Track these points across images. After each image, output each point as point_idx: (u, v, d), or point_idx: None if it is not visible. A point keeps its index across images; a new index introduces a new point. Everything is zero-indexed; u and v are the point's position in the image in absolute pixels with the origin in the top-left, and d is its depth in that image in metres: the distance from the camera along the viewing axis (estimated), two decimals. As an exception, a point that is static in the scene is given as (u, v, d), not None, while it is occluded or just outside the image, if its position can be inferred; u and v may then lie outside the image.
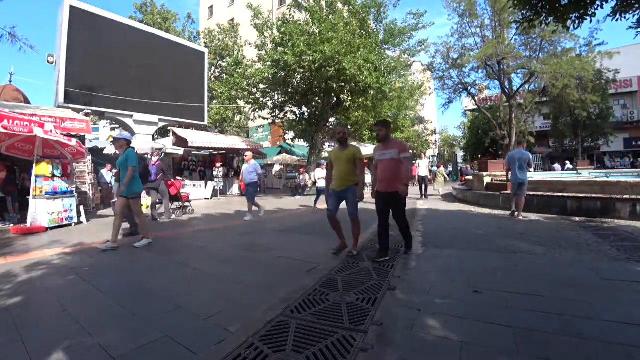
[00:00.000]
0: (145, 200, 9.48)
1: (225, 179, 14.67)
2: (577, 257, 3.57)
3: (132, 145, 4.96)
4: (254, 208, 7.48)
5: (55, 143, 6.65)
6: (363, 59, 11.39)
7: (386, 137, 3.76)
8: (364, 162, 3.86)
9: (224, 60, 21.07)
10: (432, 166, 11.60)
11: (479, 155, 30.70)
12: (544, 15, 4.68)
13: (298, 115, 15.13)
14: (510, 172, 6.57)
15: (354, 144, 17.68)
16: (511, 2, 4.92)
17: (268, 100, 14.96)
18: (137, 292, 2.84)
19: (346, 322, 2.11)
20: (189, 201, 8.65)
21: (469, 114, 34.31)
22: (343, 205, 3.89)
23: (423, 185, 11.50)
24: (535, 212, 6.68)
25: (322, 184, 9.74)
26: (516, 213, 6.37)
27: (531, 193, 6.92)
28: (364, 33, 12.33)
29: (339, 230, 4.01)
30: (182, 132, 13.30)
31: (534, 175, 6.99)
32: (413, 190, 15.33)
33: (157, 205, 7.78)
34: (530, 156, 6.52)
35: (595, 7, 4.47)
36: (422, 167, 11.57)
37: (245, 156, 7.76)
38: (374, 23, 13.59)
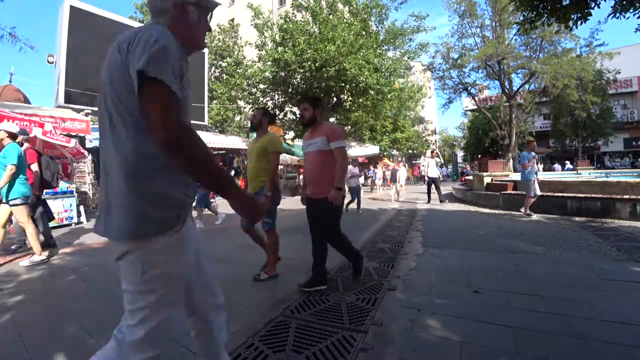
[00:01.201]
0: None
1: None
2: (577, 257, 3.57)
3: (22, 138, 4.16)
4: (217, 213, 6.98)
5: (55, 142, 6.65)
6: (364, 60, 11.38)
7: (312, 120, 2.83)
8: (278, 156, 3.07)
9: (224, 60, 21.06)
10: (438, 165, 10.53)
11: (479, 155, 30.70)
12: (546, 15, 4.68)
13: (298, 115, 15.13)
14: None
15: (353, 144, 17.28)
16: (512, 3, 4.92)
17: (268, 100, 14.96)
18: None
19: (346, 322, 2.11)
20: (213, 198, 9.17)
21: (469, 114, 34.29)
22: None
23: (432, 187, 9.98)
24: (536, 212, 6.67)
25: (432, 174, 9.76)
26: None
27: (522, 193, 6.85)
28: (364, 33, 12.33)
29: (262, 244, 3.34)
30: (182, 132, 13.26)
31: (527, 172, 6.89)
32: (413, 193, 15.29)
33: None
34: (528, 155, 6.65)
35: (594, 6, 4.47)
36: (431, 167, 10.04)
37: None
38: (374, 24, 13.58)
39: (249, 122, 3.29)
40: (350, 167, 14.29)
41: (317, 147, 2.75)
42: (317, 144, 2.75)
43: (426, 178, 10.31)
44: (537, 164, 6.54)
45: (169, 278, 1.02)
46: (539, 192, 6.56)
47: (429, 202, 9.75)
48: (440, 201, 9.56)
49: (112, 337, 1.05)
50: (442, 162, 12.39)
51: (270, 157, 2.99)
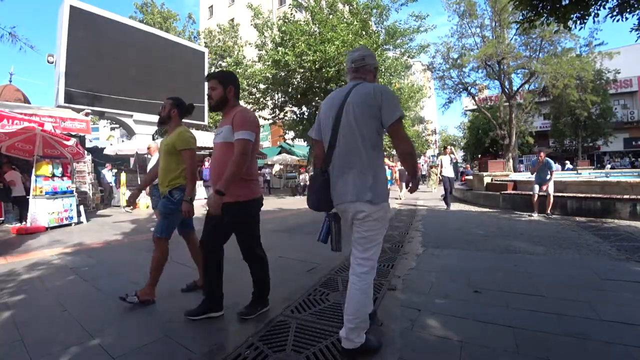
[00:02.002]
0: (145, 200, 9.64)
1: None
2: (577, 257, 3.57)
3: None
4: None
5: (55, 142, 6.65)
6: None
7: (221, 102, 2.17)
8: (192, 154, 2.56)
9: (224, 60, 21.06)
10: (453, 163, 9.09)
11: (479, 155, 30.72)
12: (545, 15, 4.68)
13: (298, 115, 15.14)
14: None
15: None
16: (512, 2, 4.92)
17: (268, 100, 14.96)
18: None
19: (346, 322, 2.11)
20: None
21: (469, 114, 34.32)
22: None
23: (448, 190, 8.68)
24: (535, 212, 6.68)
25: (447, 173, 8.59)
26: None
27: (531, 193, 6.94)
28: (364, 34, 12.32)
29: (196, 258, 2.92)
30: (182, 132, 13.27)
31: (533, 176, 7.06)
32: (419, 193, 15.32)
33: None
34: (535, 161, 7.04)
35: (597, 8, 4.47)
36: (446, 166, 8.66)
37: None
38: (375, 24, 13.58)
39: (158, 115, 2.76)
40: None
41: (221, 137, 2.12)
42: (222, 133, 2.11)
43: (439, 177, 9.00)
44: (547, 166, 6.68)
45: (386, 222, 1.80)
46: (537, 192, 6.71)
47: (448, 207, 8.34)
48: (447, 204, 8.48)
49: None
50: (458, 159, 9.71)
51: (184, 157, 2.51)
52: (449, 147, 9.13)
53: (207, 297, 2.26)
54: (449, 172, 8.66)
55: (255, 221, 2.28)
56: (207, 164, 10.33)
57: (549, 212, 6.50)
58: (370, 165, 1.67)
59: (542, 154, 6.97)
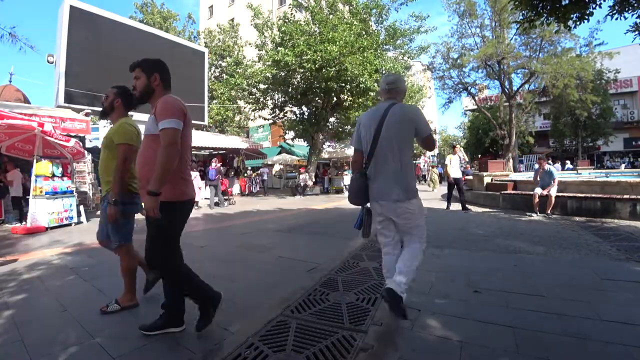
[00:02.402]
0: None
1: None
2: (577, 257, 3.57)
3: None
4: None
5: (55, 142, 6.65)
6: (366, 61, 11.38)
7: (147, 94, 1.99)
8: (128, 150, 2.29)
9: (224, 60, 21.06)
10: (461, 166, 8.50)
11: (479, 155, 30.71)
12: (545, 15, 4.67)
13: (298, 115, 15.14)
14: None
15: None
16: (512, 2, 4.91)
17: (268, 100, 14.96)
18: (137, 292, 2.84)
19: (346, 322, 2.11)
20: (232, 195, 11.63)
21: (469, 114, 34.32)
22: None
23: (454, 190, 8.28)
24: (536, 212, 6.67)
25: (455, 174, 7.98)
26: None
27: (531, 193, 6.96)
28: (364, 34, 12.32)
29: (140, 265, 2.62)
30: (182, 132, 13.26)
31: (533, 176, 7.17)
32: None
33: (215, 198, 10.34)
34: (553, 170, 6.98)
35: (594, 6, 4.47)
36: (454, 166, 8.09)
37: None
38: (374, 24, 13.57)
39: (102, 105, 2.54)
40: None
41: (147, 130, 1.93)
42: (149, 126, 1.90)
43: (450, 179, 8.27)
44: (548, 174, 6.81)
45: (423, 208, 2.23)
46: (538, 193, 6.74)
47: (448, 207, 8.09)
48: (465, 209, 7.67)
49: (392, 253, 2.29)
50: (467, 159, 8.85)
51: (118, 151, 2.24)
52: (457, 146, 8.67)
53: (167, 311, 2.02)
54: (456, 172, 8.05)
55: (173, 227, 1.93)
56: (213, 164, 10.58)
57: (549, 212, 6.51)
58: (405, 169, 2.12)
59: (543, 163, 7.00)
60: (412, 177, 2.17)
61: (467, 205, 7.89)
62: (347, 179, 15.54)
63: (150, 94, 1.98)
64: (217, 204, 10.27)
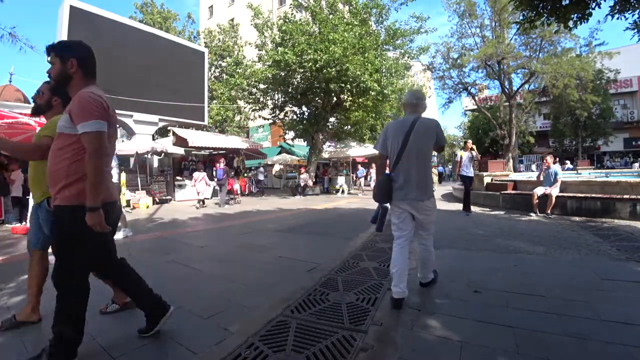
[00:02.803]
0: (145, 200, 9.72)
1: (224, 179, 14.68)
2: (577, 257, 3.57)
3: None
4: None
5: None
6: (368, 62, 11.38)
7: (62, 82, 1.75)
8: (46, 140, 1.93)
9: (224, 60, 21.07)
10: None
11: (479, 155, 30.70)
12: (545, 15, 4.68)
13: (298, 115, 15.14)
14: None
15: (353, 144, 17.31)
16: (512, 2, 4.91)
17: (268, 100, 14.96)
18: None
19: (346, 322, 2.11)
20: (237, 194, 12.05)
21: (469, 114, 34.34)
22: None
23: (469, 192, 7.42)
24: (536, 212, 6.67)
25: (468, 172, 7.37)
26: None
27: (531, 193, 6.96)
28: (365, 34, 12.32)
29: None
30: (182, 132, 13.30)
31: (533, 176, 7.11)
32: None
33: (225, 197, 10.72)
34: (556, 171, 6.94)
35: (594, 6, 4.47)
36: (465, 164, 7.35)
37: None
38: (374, 24, 13.57)
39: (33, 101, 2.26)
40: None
41: (59, 127, 1.70)
42: (62, 124, 1.67)
43: (457, 178, 7.51)
44: (552, 173, 6.83)
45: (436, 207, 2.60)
46: (538, 193, 6.75)
47: (467, 212, 7.17)
48: (467, 210, 7.22)
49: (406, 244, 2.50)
50: (479, 157, 8.30)
51: (50, 147, 1.76)
52: (469, 142, 7.99)
53: (147, 311, 2.01)
54: (468, 170, 7.32)
55: (80, 237, 1.63)
56: (221, 164, 10.92)
57: (549, 212, 6.50)
58: (426, 173, 2.49)
59: (548, 160, 6.97)
60: (430, 179, 2.55)
61: (470, 207, 7.35)
62: (341, 179, 15.50)
63: (67, 82, 1.71)
64: (227, 202, 10.83)
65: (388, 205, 2.57)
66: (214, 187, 11.84)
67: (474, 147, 7.75)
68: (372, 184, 13.16)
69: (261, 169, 18.79)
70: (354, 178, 17.32)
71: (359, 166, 16.28)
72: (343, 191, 15.02)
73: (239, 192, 12.61)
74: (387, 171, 2.56)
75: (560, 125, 25.87)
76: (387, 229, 2.78)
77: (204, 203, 10.30)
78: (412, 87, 16.46)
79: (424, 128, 2.44)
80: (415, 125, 2.42)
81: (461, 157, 7.50)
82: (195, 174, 10.50)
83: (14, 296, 2.72)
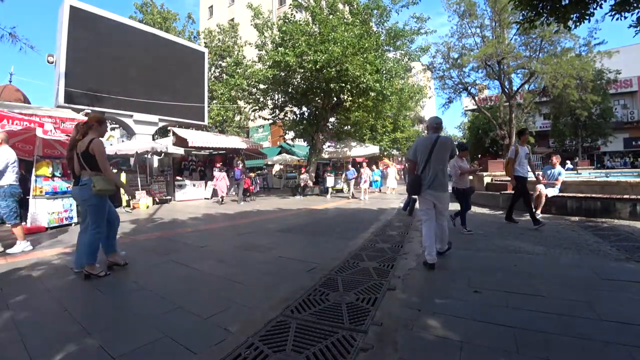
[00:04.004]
0: (145, 200, 9.74)
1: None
2: (577, 257, 3.57)
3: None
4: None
5: (55, 142, 6.65)
6: (368, 63, 11.38)
7: None
8: None
9: (224, 60, 21.06)
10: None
11: (479, 155, 30.70)
12: (545, 15, 4.67)
13: (298, 115, 15.13)
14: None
15: (353, 144, 17.06)
16: (512, 2, 4.91)
17: (268, 100, 14.96)
18: (137, 292, 2.84)
19: (346, 322, 2.11)
20: (253, 193, 13.15)
21: (469, 114, 34.33)
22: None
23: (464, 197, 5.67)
24: (538, 211, 6.67)
25: (521, 172, 5.57)
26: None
27: (531, 192, 6.92)
28: (365, 35, 12.31)
29: None
30: (182, 132, 13.30)
31: (533, 176, 7.02)
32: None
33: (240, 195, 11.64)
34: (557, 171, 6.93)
35: (595, 6, 4.47)
36: (521, 160, 5.63)
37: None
38: (375, 25, 13.56)
39: None
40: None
41: None
42: None
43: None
44: (553, 164, 6.89)
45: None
46: (543, 191, 6.53)
47: (511, 220, 5.82)
48: (534, 220, 5.37)
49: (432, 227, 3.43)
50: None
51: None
52: (526, 132, 5.96)
53: None
54: (524, 169, 5.69)
55: None
56: (240, 165, 12.12)
57: (538, 212, 6.35)
58: (443, 174, 3.48)
59: (554, 160, 6.88)
60: (447, 179, 3.54)
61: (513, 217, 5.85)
62: (330, 180, 14.39)
63: None
64: (244, 200, 11.84)
65: (416, 197, 3.66)
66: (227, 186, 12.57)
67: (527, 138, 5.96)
68: (363, 185, 12.61)
69: (265, 171, 18.87)
70: (343, 179, 14.92)
71: (349, 166, 14.21)
72: (339, 191, 14.70)
73: (231, 192, 12.89)
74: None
75: (560, 125, 25.88)
76: (387, 232, 2.77)
77: (222, 200, 11.58)
78: (412, 88, 16.43)
79: (442, 144, 3.46)
80: (437, 142, 3.44)
81: (516, 152, 5.55)
82: (216, 173, 11.89)
83: (13, 296, 2.72)
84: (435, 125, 3.58)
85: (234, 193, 12.73)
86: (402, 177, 19.64)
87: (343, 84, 11.79)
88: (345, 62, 10.95)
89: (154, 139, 13.94)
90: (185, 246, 4.75)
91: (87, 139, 3.12)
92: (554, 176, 6.73)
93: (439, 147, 3.43)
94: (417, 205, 3.75)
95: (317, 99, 13.95)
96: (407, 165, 3.81)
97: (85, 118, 9.37)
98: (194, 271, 3.46)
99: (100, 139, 3.22)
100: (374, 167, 16.74)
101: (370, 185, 15.26)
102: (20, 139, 6.44)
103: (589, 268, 3.14)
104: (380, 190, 16.16)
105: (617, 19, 4.55)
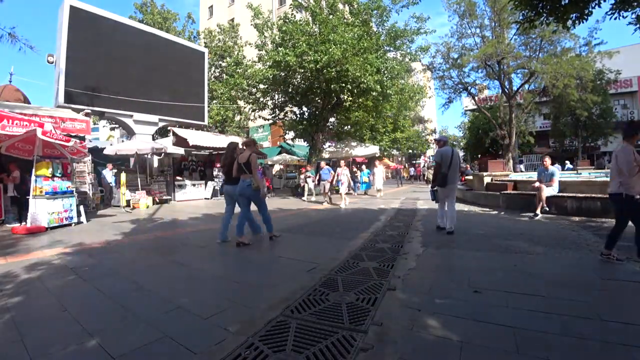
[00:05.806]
0: (145, 200, 9.74)
1: (225, 179, 14.70)
2: (577, 257, 3.57)
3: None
4: None
5: (55, 143, 6.64)
6: (368, 63, 11.37)
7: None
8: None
9: (224, 60, 21.05)
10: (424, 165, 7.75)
11: (479, 155, 30.70)
12: (545, 15, 4.68)
13: (298, 115, 15.13)
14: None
15: (353, 144, 17.00)
16: (512, 2, 4.92)
17: (268, 100, 14.96)
18: (138, 292, 2.84)
19: (346, 322, 2.11)
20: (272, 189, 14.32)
21: (469, 114, 34.31)
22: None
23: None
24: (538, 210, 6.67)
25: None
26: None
27: (531, 192, 6.95)
28: (365, 35, 12.31)
29: None
30: (182, 132, 13.29)
31: (533, 175, 7.06)
32: (414, 192, 15.07)
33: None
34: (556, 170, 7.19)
35: (593, 5, 4.47)
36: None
37: None
38: (375, 26, 13.56)
39: None
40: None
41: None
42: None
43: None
44: (544, 166, 7.04)
45: None
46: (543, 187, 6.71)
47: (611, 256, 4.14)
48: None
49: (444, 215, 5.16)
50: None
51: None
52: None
53: None
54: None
55: None
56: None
57: (538, 211, 6.46)
58: (456, 173, 5.17)
59: (547, 161, 6.99)
60: (459, 176, 5.05)
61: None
62: (309, 180, 12.83)
63: None
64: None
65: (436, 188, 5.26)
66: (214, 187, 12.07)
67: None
68: (342, 188, 10.78)
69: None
70: (315, 180, 12.43)
71: (322, 164, 12.17)
72: (311, 193, 13.08)
73: (272, 187, 14.01)
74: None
75: (560, 125, 25.85)
76: (387, 232, 2.77)
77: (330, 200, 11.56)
78: (412, 88, 16.42)
79: (457, 154, 5.14)
80: (454, 153, 5.08)
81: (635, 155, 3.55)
82: (327, 169, 11.97)
83: (13, 296, 2.72)
84: (445, 140, 5.33)
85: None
86: (399, 178, 19.31)
87: (343, 84, 11.78)
88: (346, 63, 10.95)
89: (154, 139, 13.93)
90: (185, 246, 4.76)
91: (246, 154, 4.43)
92: (548, 177, 6.77)
93: (455, 157, 5.01)
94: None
95: (317, 99, 13.95)
96: (426, 167, 3.99)
97: (85, 118, 9.35)
98: (194, 271, 3.46)
99: (255, 154, 4.48)
100: (363, 167, 15.91)
101: (358, 187, 14.94)
102: (20, 138, 6.44)
103: (589, 268, 3.14)
104: (366, 193, 14.80)
105: (616, 18, 4.55)
